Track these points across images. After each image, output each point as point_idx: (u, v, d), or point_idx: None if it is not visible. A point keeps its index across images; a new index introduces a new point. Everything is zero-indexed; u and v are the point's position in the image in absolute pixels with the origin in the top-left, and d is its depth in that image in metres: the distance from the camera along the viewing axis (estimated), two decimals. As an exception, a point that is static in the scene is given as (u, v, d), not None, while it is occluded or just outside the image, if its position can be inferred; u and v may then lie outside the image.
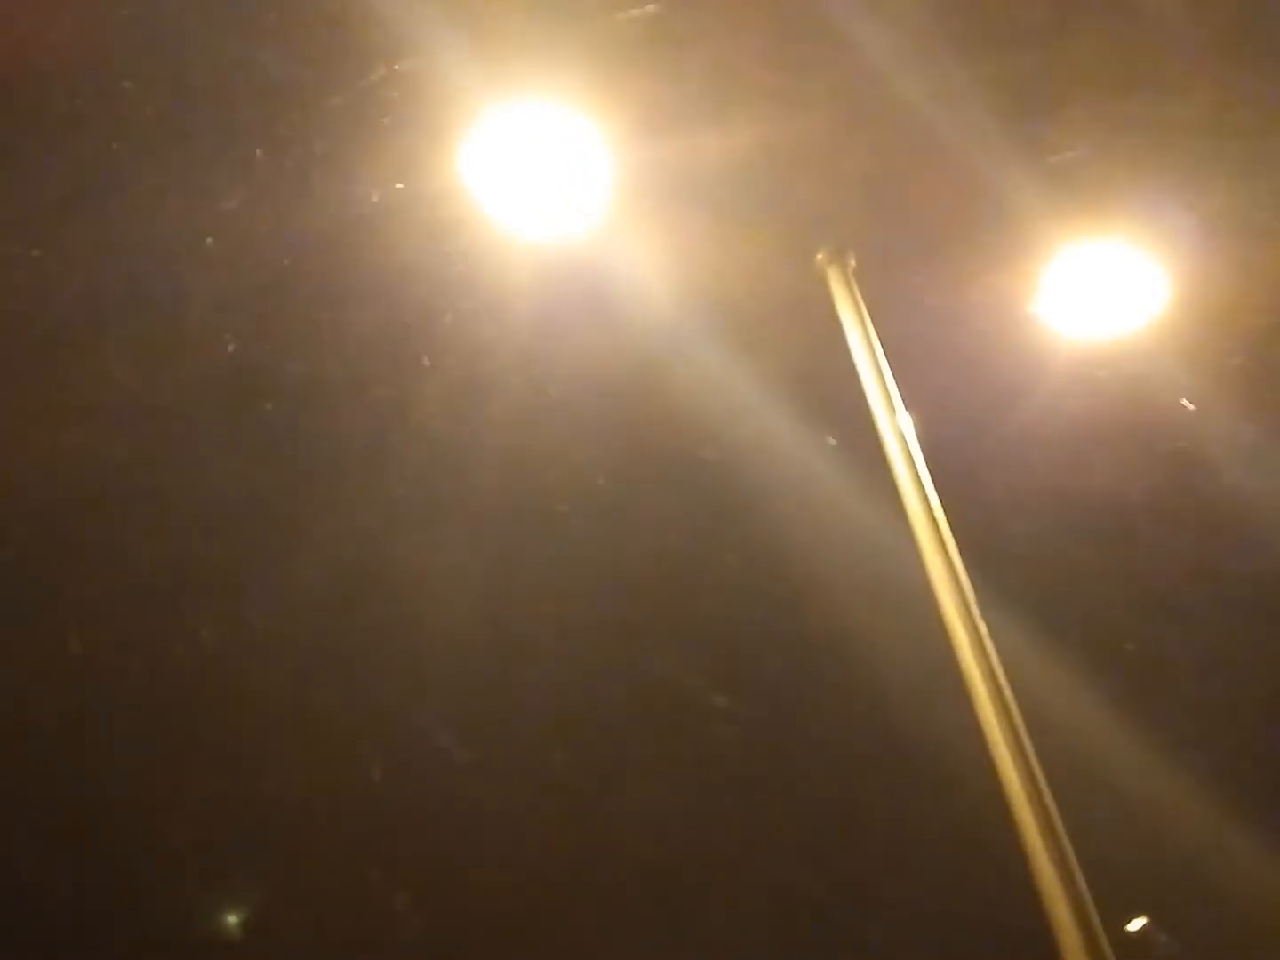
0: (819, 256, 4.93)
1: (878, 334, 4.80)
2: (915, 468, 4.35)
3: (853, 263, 4.88)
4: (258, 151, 4.73)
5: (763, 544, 6.02)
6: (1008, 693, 3.82)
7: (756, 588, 6.19)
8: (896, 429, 4.42)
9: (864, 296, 4.87)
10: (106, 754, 6.40)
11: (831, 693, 6.17)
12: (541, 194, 4.87)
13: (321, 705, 6.49)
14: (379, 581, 6.23)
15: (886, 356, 4.64)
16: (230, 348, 5.36)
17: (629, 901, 7.01)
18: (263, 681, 6.37)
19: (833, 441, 5.61)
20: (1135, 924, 7.08)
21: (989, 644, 3.91)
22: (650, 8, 4.42)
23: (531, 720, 6.66)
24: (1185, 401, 5.65)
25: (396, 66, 4.47)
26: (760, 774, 6.82)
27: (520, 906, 6.95)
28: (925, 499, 4.30)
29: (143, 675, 6.30)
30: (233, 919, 6.97)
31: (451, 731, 6.66)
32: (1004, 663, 3.83)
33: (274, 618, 6.25)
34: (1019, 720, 3.72)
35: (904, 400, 4.49)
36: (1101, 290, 5.22)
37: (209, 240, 4.98)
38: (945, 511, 4.26)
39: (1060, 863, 3.42)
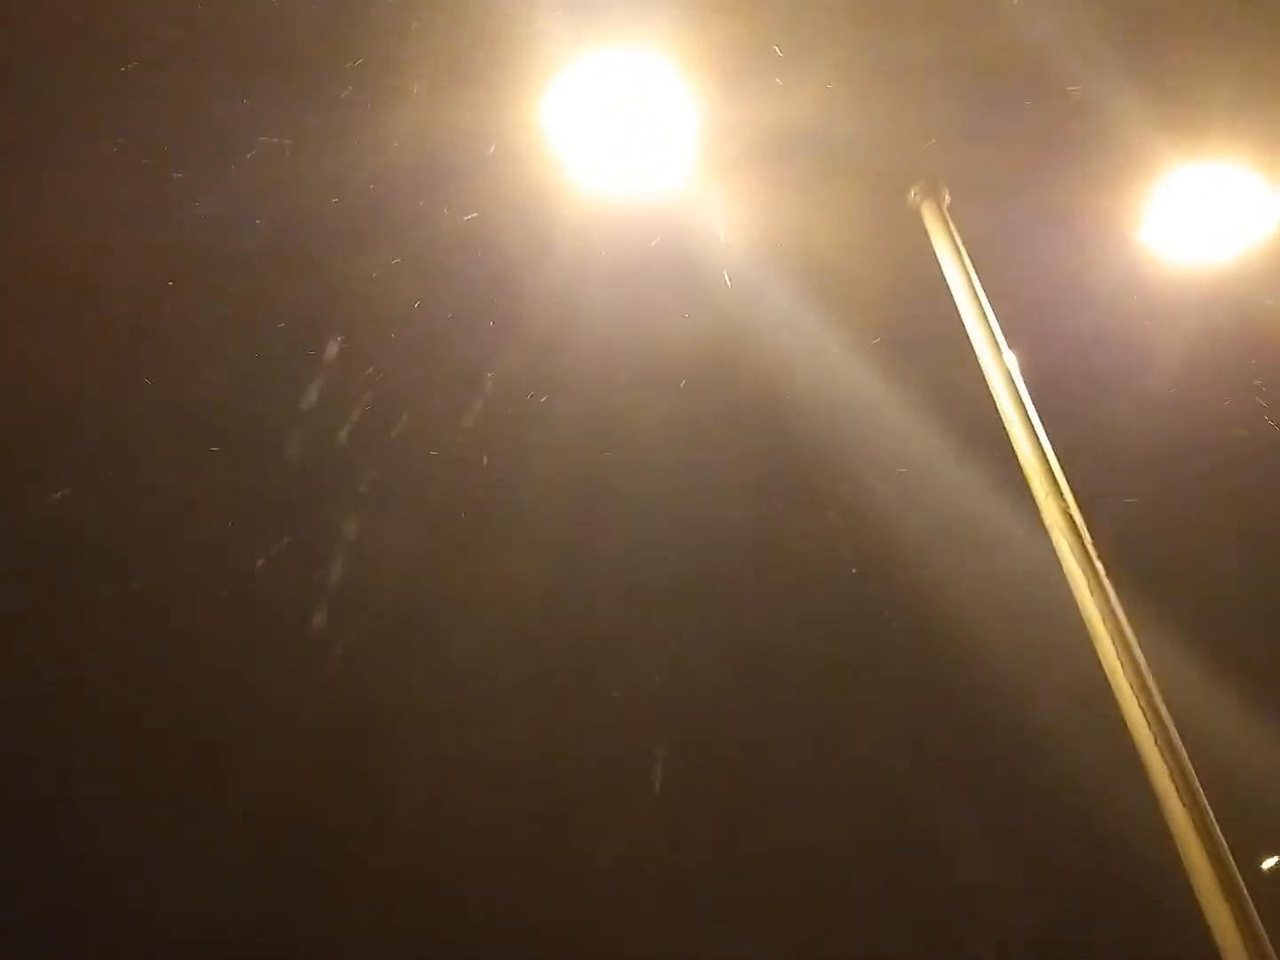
0: (912, 195, 4.92)
1: (977, 271, 4.79)
2: (1023, 407, 4.35)
3: (947, 198, 4.86)
4: (338, 92, 4.77)
5: (864, 507, 5.96)
6: (1129, 633, 3.84)
7: (854, 551, 6.15)
8: (1003, 368, 4.42)
9: (961, 232, 4.85)
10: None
11: (940, 640, 6.17)
12: (625, 149, 4.89)
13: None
14: (450, 548, 6.32)
15: (987, 294, 4.63)
16: (296, 300, 5.44)
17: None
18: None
19: (932, 389, 5.56)
20: (1270, 862, 7.05)
21: (1108, 584, 3.93)
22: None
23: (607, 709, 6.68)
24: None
25: (479, 16, 4.50)
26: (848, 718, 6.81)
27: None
28: (1035, 439, 4.30)
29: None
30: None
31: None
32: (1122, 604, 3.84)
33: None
34: (1143, 662, 3.73)
35: (1007, 338, 4.48)
36: (1211, 214, 5.15)
37: (278, 185, 5.02)
38: (1054, 452, 4.26)
39: (1193, 805, 3.45)
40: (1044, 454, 4.28)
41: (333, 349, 5.68)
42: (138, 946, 6.64)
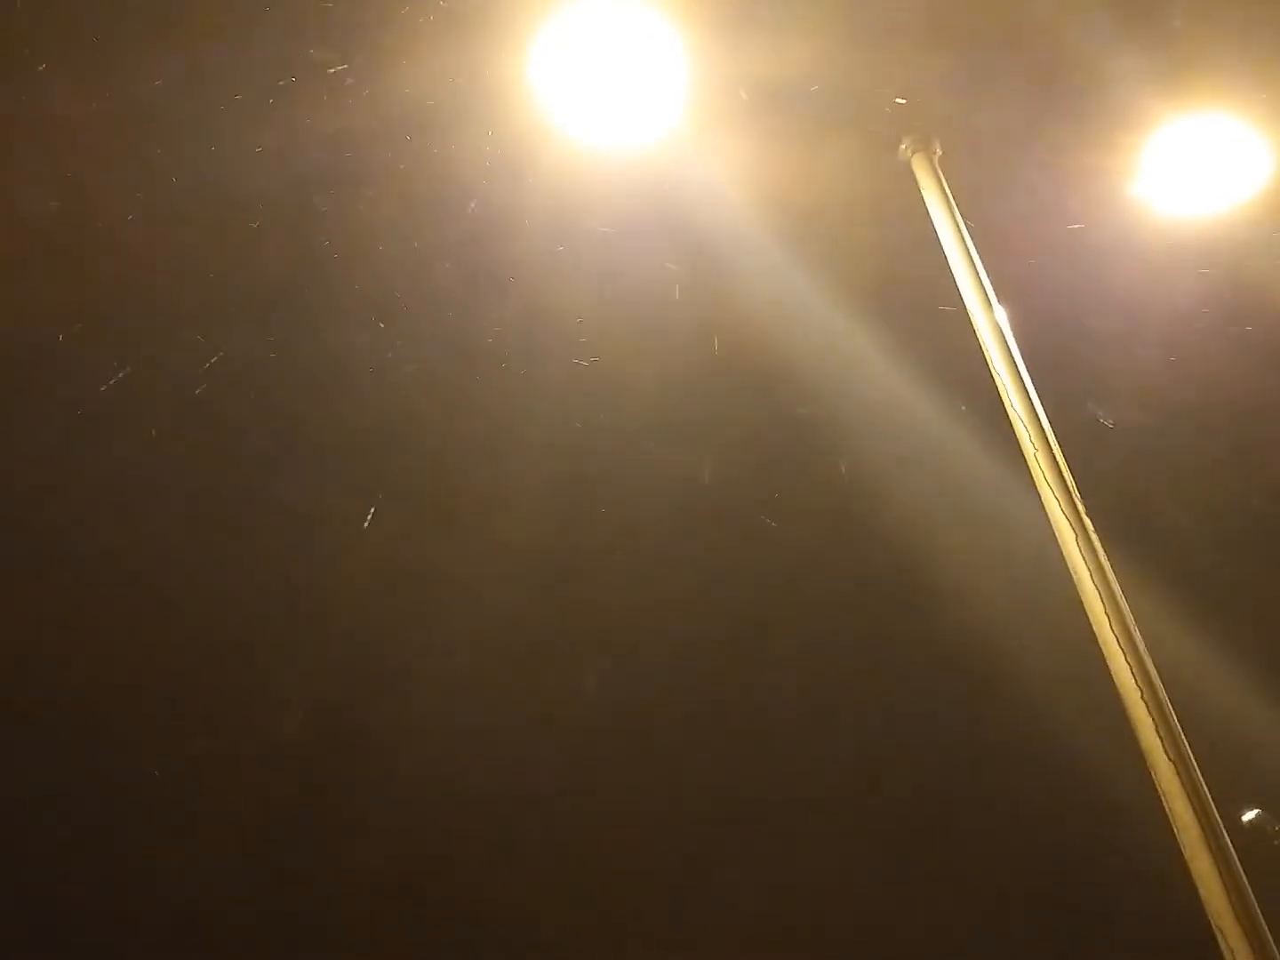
0: (902, 147, 4.91)
1: (968, 224, 4.79)
2: (1013, 363, 4.37)
3: (939, 151, 4.85)
4: (324, 40, 4.74)
5: (850, 461, 5.96)
6: (1117, 589, 3.88)
7: (840, 509, 6.15)
8: (993, 323, 4.43)
9: (952, 186, 4.84)
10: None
11: (930, 600, 6.21)
12: (613, 98, 4.85)
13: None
14: (449, 508, 6.33)
15: (978, 248, 4.63)
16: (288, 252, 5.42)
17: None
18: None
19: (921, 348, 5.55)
20: (1250, 814, 7.16)
21: (1096, 540, 3.96)
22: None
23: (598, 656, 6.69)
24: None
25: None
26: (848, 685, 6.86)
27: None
28: (1024, 395, 4.32)
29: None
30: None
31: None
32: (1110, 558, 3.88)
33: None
34: (1130, 617, 3.78)
35: (998, 293, 4.49)
36: (1205, 166, 5.14)
37: (263, 138, 4.98)
38: (1044, 408, 4.28)
39: (1178, 759, 3.50)
40: (1033, 410, 4.31)
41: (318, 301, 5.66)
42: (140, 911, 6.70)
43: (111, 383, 5.72)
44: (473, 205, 5.40)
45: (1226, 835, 3.37)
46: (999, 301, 4.44)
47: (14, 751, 6.38)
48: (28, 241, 5.19)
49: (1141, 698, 3.65)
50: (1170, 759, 3.55)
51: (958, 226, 4.73)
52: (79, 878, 6.67)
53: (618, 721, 6.65)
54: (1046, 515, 4.12)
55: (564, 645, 6.65)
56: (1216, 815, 3.42)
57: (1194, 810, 3.43)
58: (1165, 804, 3.49)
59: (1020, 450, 4.30)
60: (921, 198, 4.86)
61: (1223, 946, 3.26)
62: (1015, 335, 4.34)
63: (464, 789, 6.73)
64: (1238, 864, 3.35)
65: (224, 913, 6.70)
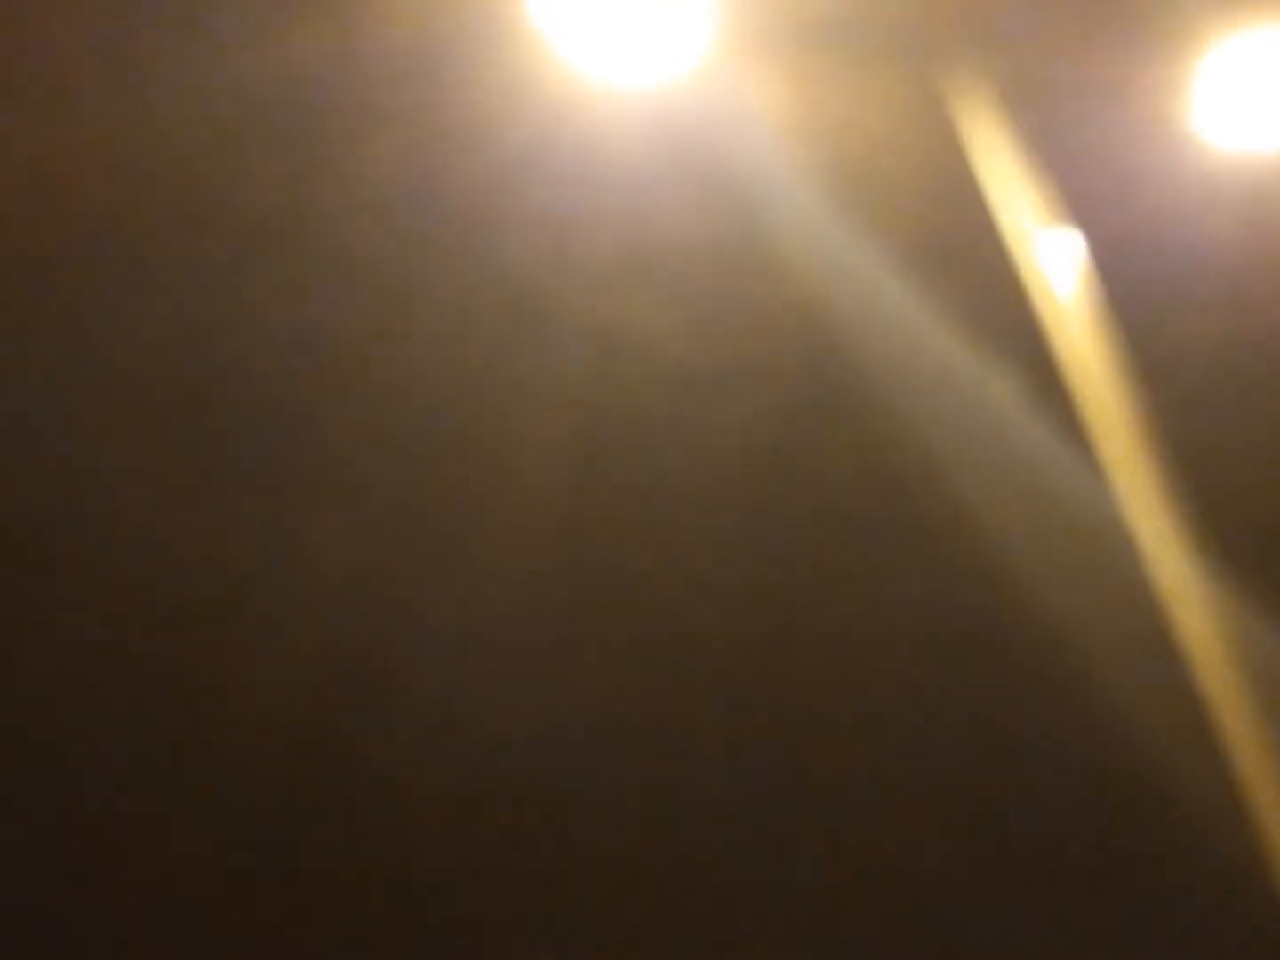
0: (944, 87, 4.68)
1: (1017, 167, 4.59)
2: (1072, 310, 4.17)
3: (987, 91, 4.63)
4: None
5: (887, 433, 5.70)
6: (1197, 571, 3.72)
7: (878, 475, 5.90)
8: (1050, 267, 4.24)
9: (1001, 127, 4.64)
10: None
11: (976, 560, 5.97)
12: (628, 33, 4.53)
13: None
14: (462, 456, 6.10)
15: (1030, 189, 4.44)
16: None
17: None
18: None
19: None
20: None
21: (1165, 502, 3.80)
22: None
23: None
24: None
25: None
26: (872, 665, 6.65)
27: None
28: (1085, 346, 4.14)
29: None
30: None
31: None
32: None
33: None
34: (1202, 588, 3.62)
35: (1053, 234, 4.31)
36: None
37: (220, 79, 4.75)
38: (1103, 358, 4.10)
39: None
40: (1095, 358, 4.13)
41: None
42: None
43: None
44: (473, 151, 5.15)
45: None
46: (1056, 243, 4.25)
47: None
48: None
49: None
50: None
51: (1005, 169, 4.54)
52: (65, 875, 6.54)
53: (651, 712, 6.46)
54: (1112, 488, 3.96)
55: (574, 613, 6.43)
56: None
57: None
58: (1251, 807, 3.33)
59: (1084, 416, 4.13)
60: (969, 137, 4.66)
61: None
62: (1074, 277, 4.14)
63: (476, 790, 6.56)
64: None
65: (211, 915, 6.55)
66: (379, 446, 5.96)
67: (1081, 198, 4.91)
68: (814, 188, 5.01)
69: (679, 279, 5.59)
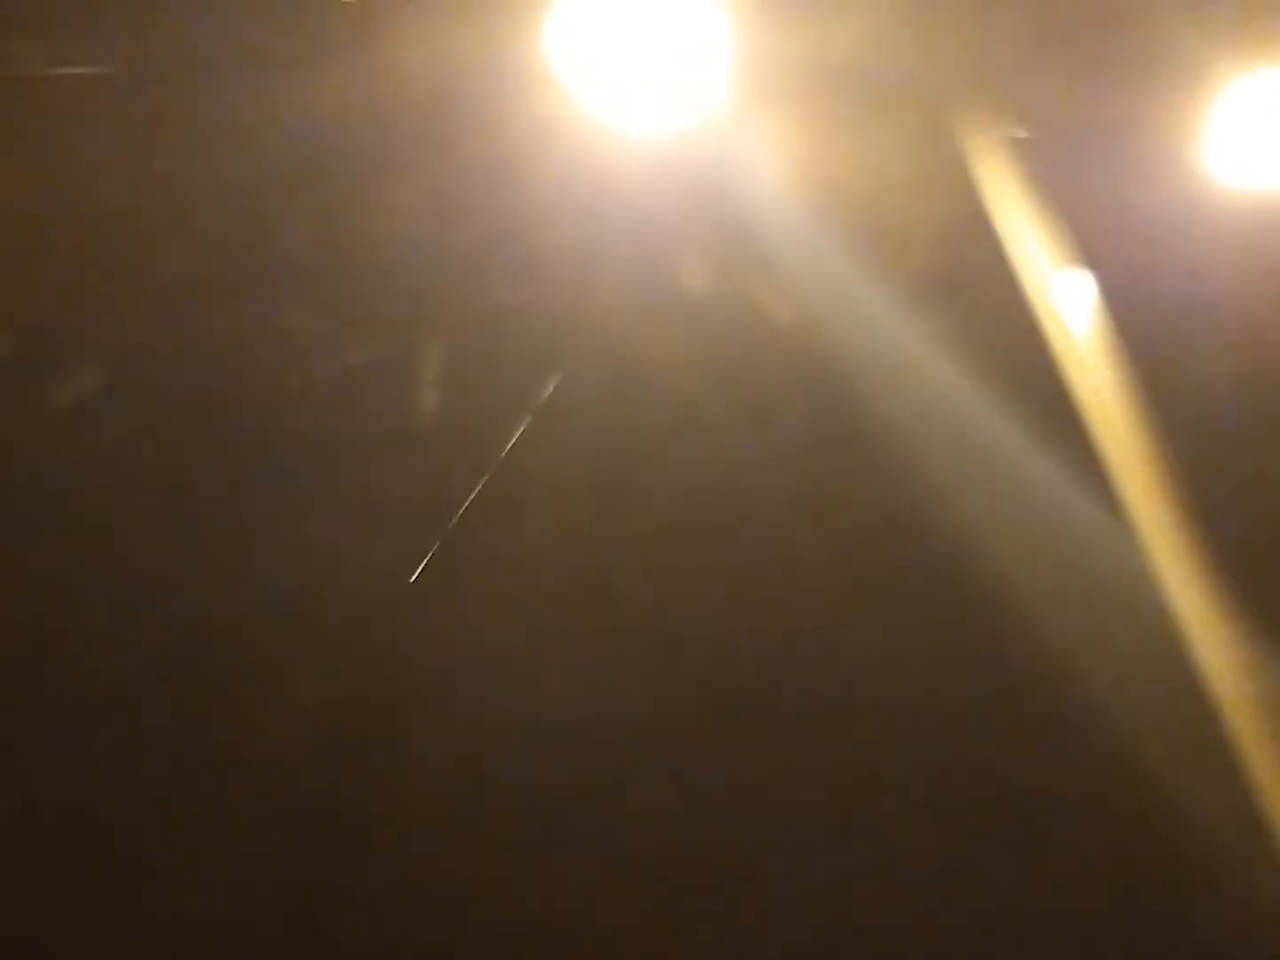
0: (956, 129, 4.76)
1: (1029, 207, 4.65)
2: (1089, 346, 4.22)
3: (999, 132, 4.71)
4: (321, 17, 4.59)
5: (907, 476, 5.72)
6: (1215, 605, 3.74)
7: (893, 514, 5.92)
8: (1063, 304, 4.29)
9: (1013, 167, 4.71)
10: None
11: (986, 595, 5.96)
12: (646, 81, 4.62)
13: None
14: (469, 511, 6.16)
15: (1043, 230, 4.50)
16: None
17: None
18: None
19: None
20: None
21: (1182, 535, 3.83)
22: None
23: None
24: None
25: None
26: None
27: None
28: (1100, 382, 4.18)
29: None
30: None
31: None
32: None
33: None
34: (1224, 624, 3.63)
35: (1066, 274, 4.36)
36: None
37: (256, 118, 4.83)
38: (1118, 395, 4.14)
39: None
40: (1109, 397, 4.17)
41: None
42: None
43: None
44: (487, 200, 5.23)
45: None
46: (1069, 281, 4.30)
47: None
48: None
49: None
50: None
51: (1022, 211, 4.61)
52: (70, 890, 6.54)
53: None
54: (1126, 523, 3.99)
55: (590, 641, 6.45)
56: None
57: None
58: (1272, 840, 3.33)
59: (1098, 453, 4.16)
60: (980, 178, 4.73)
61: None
62: (1089, 314, 4.19)
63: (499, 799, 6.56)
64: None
65: (227, 929, 6.53)
66: (398, 471, 6.04)
67: (1094, 237, 4.97)
68: (828, 231, 5.08)
69: (694, 321, 5.67)
